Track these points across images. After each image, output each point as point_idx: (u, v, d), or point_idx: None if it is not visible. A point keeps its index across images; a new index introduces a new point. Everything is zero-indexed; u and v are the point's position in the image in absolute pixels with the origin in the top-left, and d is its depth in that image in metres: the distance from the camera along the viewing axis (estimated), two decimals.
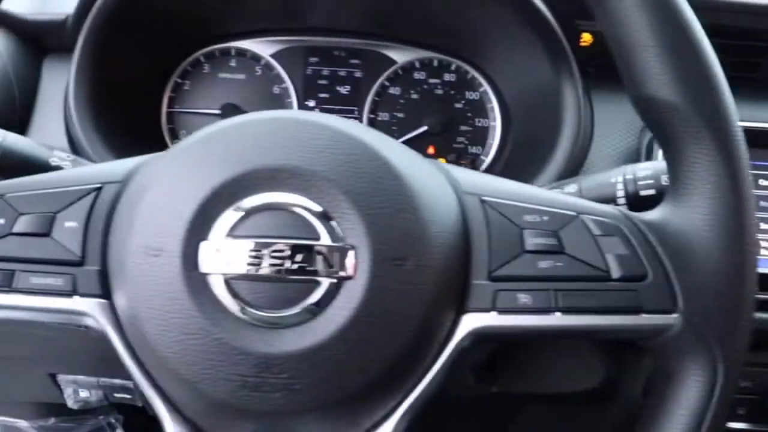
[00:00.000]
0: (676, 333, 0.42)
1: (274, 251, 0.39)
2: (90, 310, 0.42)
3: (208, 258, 0.39)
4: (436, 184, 0.44)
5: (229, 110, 0.84)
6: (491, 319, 0.42)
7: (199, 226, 0.40)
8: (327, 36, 0.86)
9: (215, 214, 0.40)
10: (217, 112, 0.85)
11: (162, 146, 0.85)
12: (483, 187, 0.45)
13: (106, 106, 0.75)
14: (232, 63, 0.86)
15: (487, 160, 0.85)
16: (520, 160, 0.80)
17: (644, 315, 0.42)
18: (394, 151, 0.43)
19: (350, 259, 0.39)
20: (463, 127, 0.86)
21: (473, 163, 0.85)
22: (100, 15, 0.72)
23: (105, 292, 0.42)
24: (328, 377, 0.39)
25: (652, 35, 0.41)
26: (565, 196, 0.46)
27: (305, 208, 0.40)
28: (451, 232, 0.42)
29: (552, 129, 0.73)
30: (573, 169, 0.72)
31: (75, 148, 0.73)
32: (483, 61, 0.84)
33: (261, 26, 0.85)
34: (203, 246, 0.39)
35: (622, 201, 0.56)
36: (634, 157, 0.74)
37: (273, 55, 0.86)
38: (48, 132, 0.74)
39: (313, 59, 0.86)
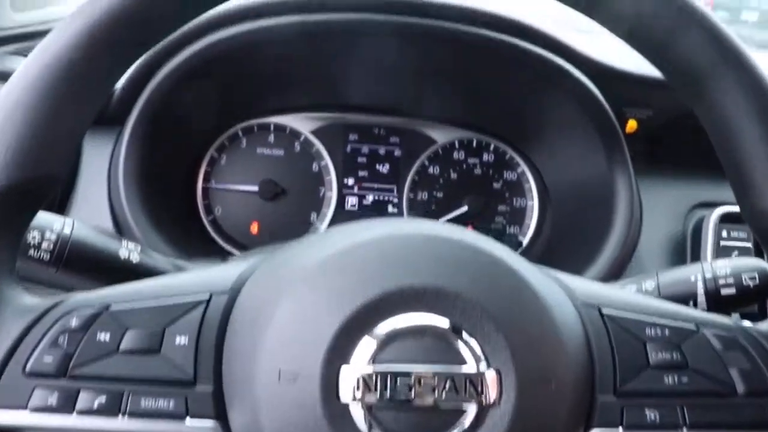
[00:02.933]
0: None
1: (421, 379, 0.37)
2: None
3: (349, 385, 0.37)
4: (557, 295, 0.43)
5: (268, 186, 0.83)
6: None
7: (340, 350, 0.37)
8: (367, 114, 0.86)
9: (356, 337, 0.38)
10: (254, 188, 0.83)
11: (198, 223, 0.82)
12: (599, 298, 0.44)
13: (150, 184, 0.72)
14: (270, 138, 0.85)
15: (525, 240, 0.86)
16: (564, 246, 0.80)
17: None
18: (523, 264, 0.42)
19: (496, 384, 0.38)
20: (501, 207, 0.86)
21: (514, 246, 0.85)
22: (154, 94, 0.70)
23: (219, 413, 0.40)
24: None
25: None
26: (680, 307, 0.46)
27: (449, 331, 0.38)
28: (579, 347, 0.41)
29: (603, 216, 0.74)
30: (626, 256, 0.73)
31: (118, 222, 0.70)
32: (526, 144, 0.85)
33: (301, 103, 0.84)
34: (344, 371, 0.37)
35: (701, 299, 0.57)
36: (681, 242, 0.76)
37: (313, 132, 0.85)
38: (89, 208, 0.71)
39: (352, 137, 0.86)
